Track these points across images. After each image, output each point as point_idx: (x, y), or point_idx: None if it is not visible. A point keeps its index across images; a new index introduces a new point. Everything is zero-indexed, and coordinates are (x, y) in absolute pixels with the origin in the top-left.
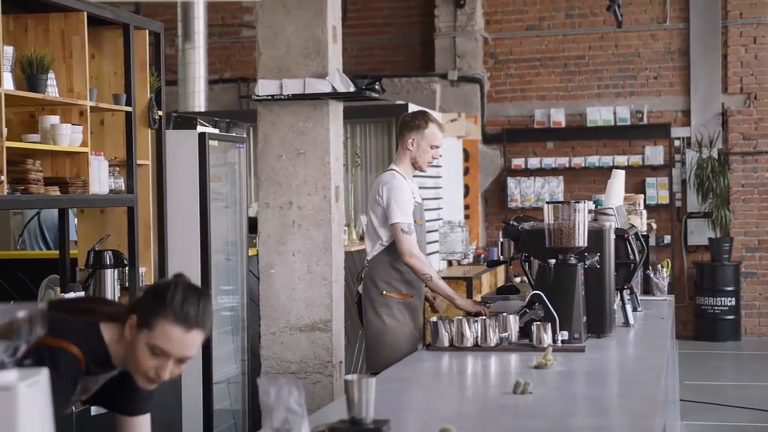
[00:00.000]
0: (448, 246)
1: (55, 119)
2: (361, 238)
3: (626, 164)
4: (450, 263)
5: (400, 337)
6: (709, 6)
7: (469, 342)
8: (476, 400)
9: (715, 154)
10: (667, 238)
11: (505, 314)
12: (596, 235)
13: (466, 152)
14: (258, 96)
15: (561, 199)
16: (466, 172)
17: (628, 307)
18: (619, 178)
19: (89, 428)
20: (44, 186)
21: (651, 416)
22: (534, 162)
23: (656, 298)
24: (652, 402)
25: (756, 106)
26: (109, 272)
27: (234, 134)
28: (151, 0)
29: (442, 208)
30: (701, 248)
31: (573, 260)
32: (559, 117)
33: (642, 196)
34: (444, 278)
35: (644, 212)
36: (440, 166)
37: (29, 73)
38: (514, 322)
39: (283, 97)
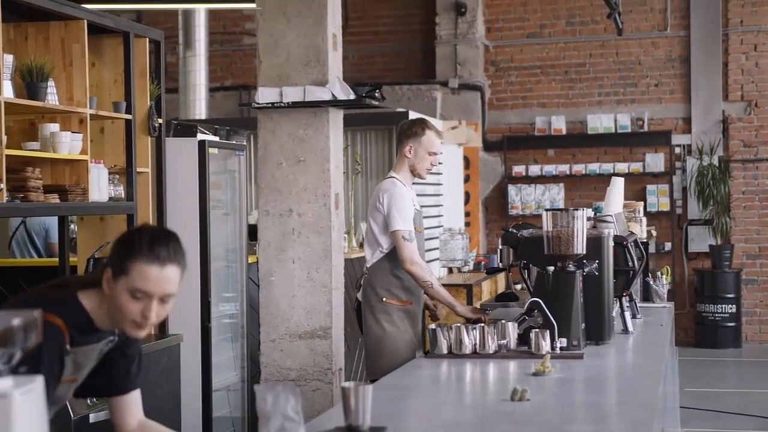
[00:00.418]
0: (449, 253)
1: (54, 127)
2: (361, 246)
3: (627, 171)
4: (450, 270)
5: (399, 344)
6: (709, 14)
7: (468, 349)
8: (474, 407)
9: (715, 162)
10: (668, 246)
11: (503, 321)
12: (595, 243)
13: (466, 159)
14: (258, 104)
15: (562, 206)
16: (466, 179)
17: (627, 314)
18: (618, 186)
19: None
20: (44, 194)
21: (649, 423)
22: (535, 169)
23: (656, 305)
24: (649, 409)
25: (756, 113)
26: None
27: (234, 142)
28: (152, 8)
29: (442, 216)
30: (702, 255)
31: (571, 267)
32: (559, 124)
33: (642, 203)
34: (444, 285)
35: (644, 219)
36: (441, 174)
37: (29, 81)
38: (512, 329)
39: (283, 104)
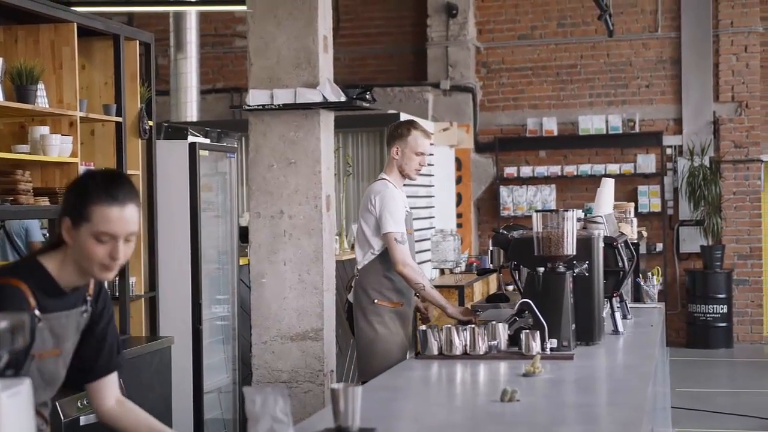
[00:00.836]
0: (440, 254)
1: (44, 130)
2: (352, 247)
3: (618, 172)
4: (442, 272)
5: (391, 346)
6: (700, 15)
7: (458, 350)
8: (464, 408)
9: (706, 162)
10: (660, 246)
11: (494, 322)
12: (585, 244)
13: (458, 161)
14: (249, 106)
15: (553, 207)
16: (458, 180)
17: (618, 315)
18: (608, 187)
19: None
20: (34, 197)
21: (638, 424)
22: (526, 170)
23: (646, 306)
24: (639, 410)
25: (747, 114)
26: None
27: (225, 144)
28: (143, 10)
29: (434, 217)
30: (693, 256)
31: (562, 268)
32: (551, 126)
33: (632, 204)
34: (436, 287)
35: (635, 220)
36: (432, 175)
37: (19, 84)
38: (503, 330)
39: (274, 106)
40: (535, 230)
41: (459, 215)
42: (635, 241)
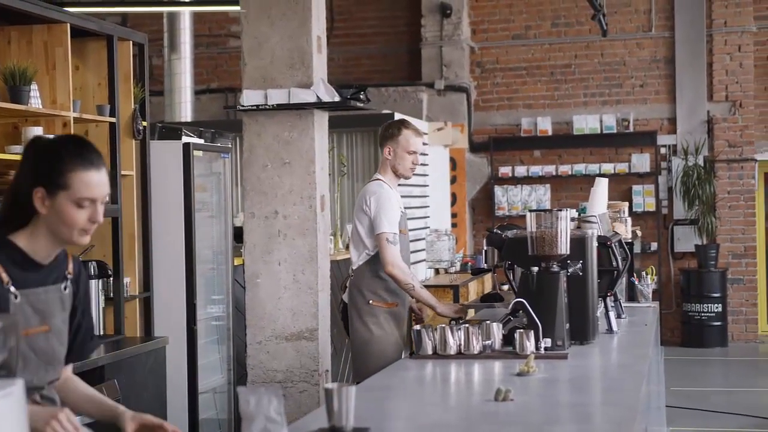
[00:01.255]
0: (435, 254)
1: (38, 130)
2: (347, 247)
3: (613, 172)
4: (437, 271)
5: (386, 347)
6: (694, 15)
7: (453, 350)
8: (459, 407)
9: (701, 162)
10: (654, 245)
11: (488, 322)
12: (579, 243)
13: (453, 161)
14: (243, 106)
15: (548, 206)
16: (453, 180)
17: (612, 314)
18: (602, 186)
19: None
20: None
21: (631, 423)
22: (521, 170)
23: (641, 305)
24: (632, 409)
25: (741, 113)
26: (93, 283)
27: (219, 144)
28: (137, 11)
29: (429, 217)
30: (688, 255)
31: (555, 268)
32: (545, 125)
33: (626, 203)
34: (431, 286)
35: (629, 219)
36: (427, 175)
37: (12, 85)
38: (497, 330)
39: (268, 107)
40: (529, 230)
41: (454, 215)
42: (629, 241)
